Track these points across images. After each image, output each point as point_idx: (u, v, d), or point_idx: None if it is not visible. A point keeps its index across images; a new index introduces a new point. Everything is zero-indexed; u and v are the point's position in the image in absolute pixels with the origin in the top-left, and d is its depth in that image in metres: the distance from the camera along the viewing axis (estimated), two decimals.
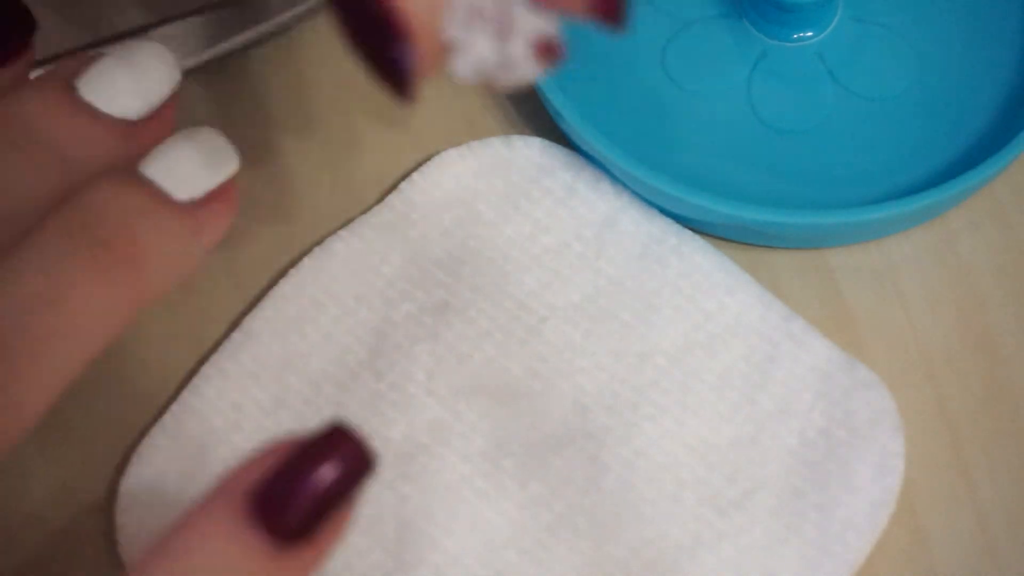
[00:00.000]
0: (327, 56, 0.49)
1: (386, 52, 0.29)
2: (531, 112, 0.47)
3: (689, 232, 0.45)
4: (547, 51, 0.26)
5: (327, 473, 0.28)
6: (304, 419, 0.42)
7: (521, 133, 0.47)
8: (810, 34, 0.47)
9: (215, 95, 0.48)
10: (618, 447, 0.42)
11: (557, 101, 0.45)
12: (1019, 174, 0.46)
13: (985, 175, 0.43)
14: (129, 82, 0.33)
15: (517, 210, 0.45)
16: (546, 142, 0.46)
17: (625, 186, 0.45)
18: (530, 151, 0.46)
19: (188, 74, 0.46)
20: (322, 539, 0.28)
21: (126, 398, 0.44)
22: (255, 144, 0.47)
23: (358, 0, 0.28)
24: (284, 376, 0.43)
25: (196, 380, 0.43)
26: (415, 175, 0.46)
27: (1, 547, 0.42)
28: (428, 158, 0.46)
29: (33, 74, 0.34)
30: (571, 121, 0.44)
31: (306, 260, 0.45)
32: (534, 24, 0.24)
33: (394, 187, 0.46)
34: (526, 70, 0.26)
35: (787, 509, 0.41)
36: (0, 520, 0.43)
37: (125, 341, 0.45)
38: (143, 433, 0.43)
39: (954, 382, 0.43)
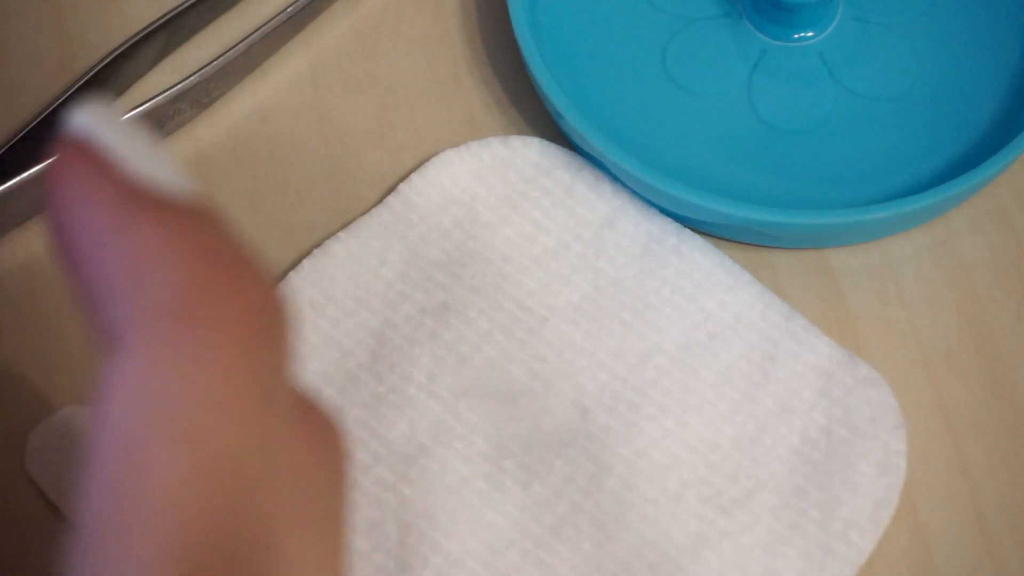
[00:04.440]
0: (329, 56, 0.49)
1: None
2: (531, 112, 0.47)
3: (689, 231, 0.45)
4: None
5: None
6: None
7: (521, 133, 0.47)
8: (811, 34, 0.47)
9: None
10: (619, 447, 0.42)
11: (557, 101, 0.45)
12: (1020, 174, 0.46)
13: (986, 175, 0.43)
14: None
15: (516, 211, 0.45)
16: (545, 142, 0.46)
17: (624, 186, 0.45)
18: (529, 151, 0.46)
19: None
20: None
21: None
22: (254, 146, 0.47)
23: None
24: None
25: None
26: (413, 176, 0.46)
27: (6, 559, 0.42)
28: (427, 158, 0.46)
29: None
30: (571, 121, 0.44)
31: (305, 262, 0.45)
32: None
33: (393, 188, 0.46)
34: None
35: (789, 508, 0.41)
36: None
37: None
38: None
39: (955, 382, 0.43)
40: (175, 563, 0.24)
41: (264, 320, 0.26)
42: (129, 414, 0.25)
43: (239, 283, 0.26)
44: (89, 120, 0.27)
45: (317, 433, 0.28)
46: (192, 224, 0.26)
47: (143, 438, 0.25)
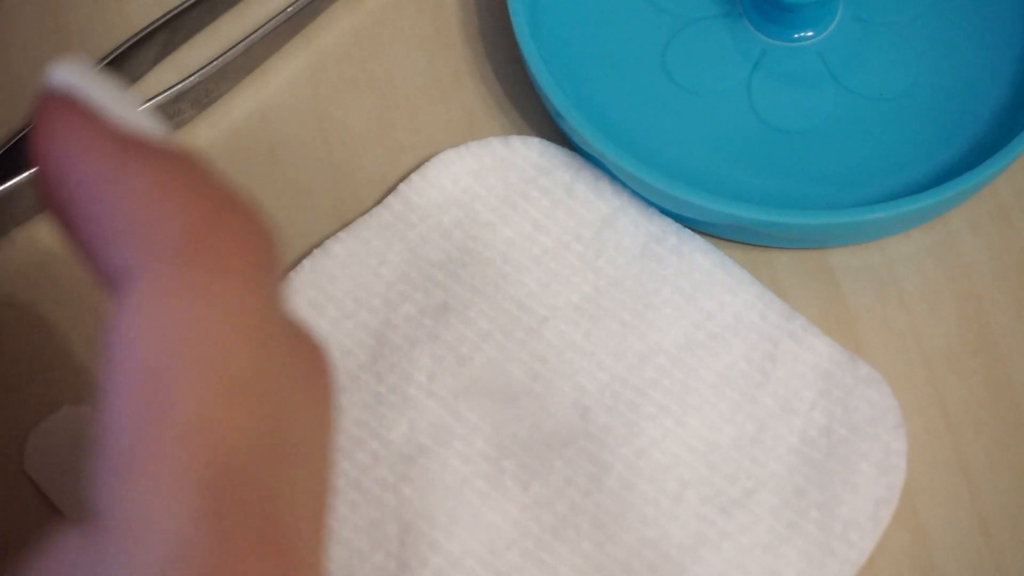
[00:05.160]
0: (329, 56, 0.49)
1: None
2: (531, 112, 0.47)
3: (689, 231, 0.45)
4: None
5: None
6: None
7: (521, 133, 0.47)
8: (811, 34, 0.47)
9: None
10: (619, 447, 0.42)
11: (557, 101, 0.45)
12: (1020, 174, 0.46)
13: (986, 175, 0.43)
14: None
15: (516, 211, 0.45)
16: (545, 142, 0.46)
17: (624, 186, 0.45)
18: (528, 151, 0.46)
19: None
20: None
21: None
22: (254, 146, 0.47)
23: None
24: None
25: None
26: (413, 176, 0.46)
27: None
28: (427, 158, 0.46)
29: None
30: (571, 121, 0.44)
31: (305, 262, 0.45)
32: None
33: (393, 188, 0.46)
34: None
35: (789, 508, 0.41)
36: None
37: None
38: None
39: (955, 382, 0.43)
40: (206, 484, 0.26)
41: (260, 250, 0.28)
42: (148, 344, 0.26)
43: (235, 217, 0.27)
44: (68, 75, 0.28)
45: (307, 354, 0.29)
46: (183, 165, 0.27)
47: (165, 366, 0.26)
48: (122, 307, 0.26)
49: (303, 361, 0.29)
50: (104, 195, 0.27)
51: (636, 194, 0.45)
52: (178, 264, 0.26)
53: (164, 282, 0.26)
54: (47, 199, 0.28)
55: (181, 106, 0.47)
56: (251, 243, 0.27)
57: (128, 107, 0.28)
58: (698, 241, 0.45)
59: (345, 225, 0.45)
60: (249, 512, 0.26)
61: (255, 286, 0.27)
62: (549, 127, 0.47)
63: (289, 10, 0.48)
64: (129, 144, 0.27)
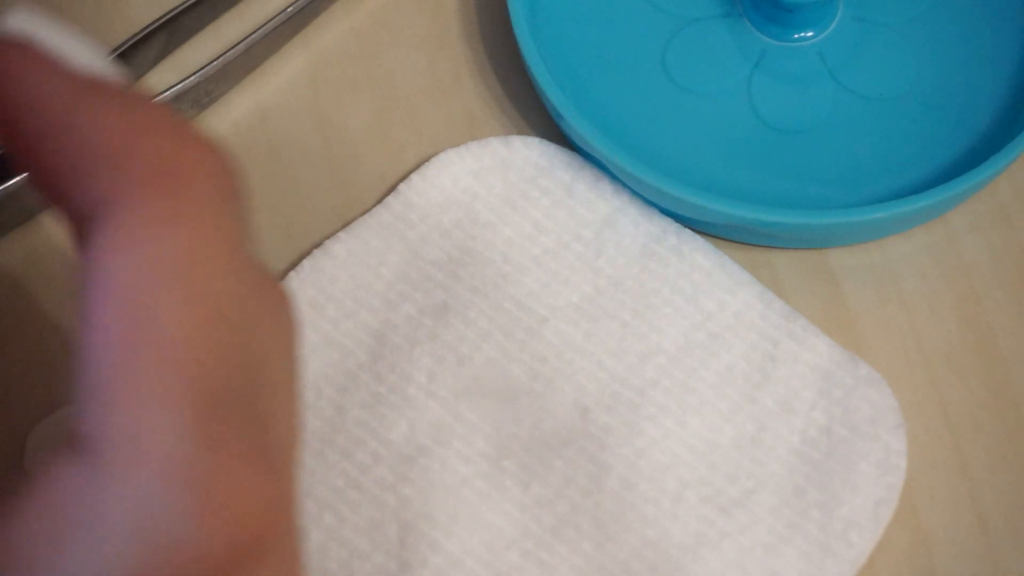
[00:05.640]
0: (329, 56, 0.49)
1: None
2: (531, 112, 0.47)
3: (689, 231, 0.45)
4: None
5: None
6: (304, 423, 0.42)
7: (521, 133, 0.47)
8: (811, 34, 0.47)
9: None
10: (619, 447, 0.42)
11: (557, 101, 0.45)
12: (1020, 174, 0.46)
13: (986, 175, 0.43)
14: None
15: (516, 211, 0.45)
16: (545, 142, 0.46)
17: (624, 186, 0.45)
18: (529, 151, 0.46)
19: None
20: None
21: None
22: (254, 146, 0.47)
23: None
24: None
25: None
26: (413, 176, 0.46)
27: None
28: (427, 158, 0.46)
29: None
30: (571, 121, 0.44)
31: (305, 262, 0.45)
32: None
33: (393, 188, 0.46)
34: None
35: (789, 508, 0.41)
36: None
37: None
38: None
39: (955, 382, 0.43)
40: (194, 400, 0.26)
41: (227, 183, 0.28)
42: (127, 270, 0.26)
43: (202, 151, 0.28)
44: (23, 20, 0.28)
45: (272, 289, 0.30)
46: (145, 103, 0.28)
47: (145, 289, 0.26)
48: (98, 237, 0.27)
49: (270, 294, 0.29)
50: (73, 132, 0.27)
51: (636, 194, 0.45)
52: (151, 193, 0.27)
53: (139, 210, 0.27)
54: (13, 142, 0.28)
55: (181, 106, 0.47)
56: (219, 176, 0.28)
57: (87, 51, 0.28)
58: (698, 241, 0.45)
59: (345, 225, 0.45)
60: (236, 425, 0.27)
61: (227, 216, 0.28)
62: (549, 127, 0.47)
63: (289, 10, 0.48)
64: (92, 83, 0.28)
